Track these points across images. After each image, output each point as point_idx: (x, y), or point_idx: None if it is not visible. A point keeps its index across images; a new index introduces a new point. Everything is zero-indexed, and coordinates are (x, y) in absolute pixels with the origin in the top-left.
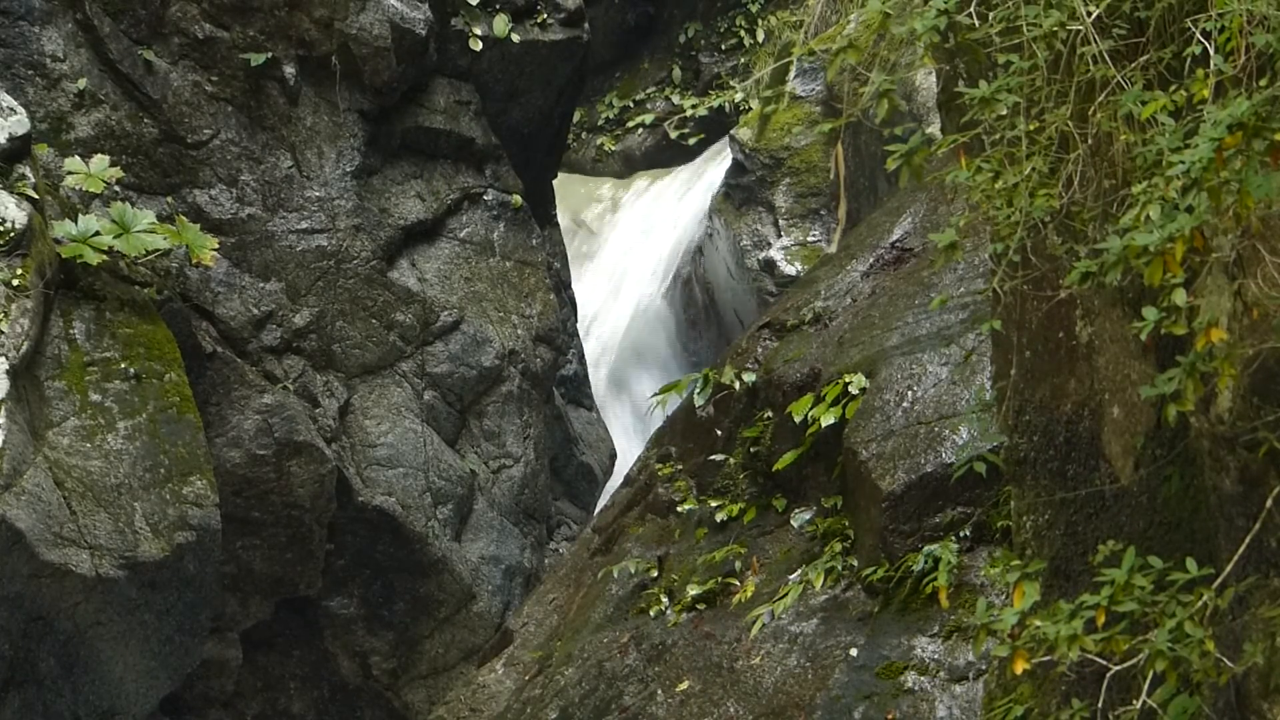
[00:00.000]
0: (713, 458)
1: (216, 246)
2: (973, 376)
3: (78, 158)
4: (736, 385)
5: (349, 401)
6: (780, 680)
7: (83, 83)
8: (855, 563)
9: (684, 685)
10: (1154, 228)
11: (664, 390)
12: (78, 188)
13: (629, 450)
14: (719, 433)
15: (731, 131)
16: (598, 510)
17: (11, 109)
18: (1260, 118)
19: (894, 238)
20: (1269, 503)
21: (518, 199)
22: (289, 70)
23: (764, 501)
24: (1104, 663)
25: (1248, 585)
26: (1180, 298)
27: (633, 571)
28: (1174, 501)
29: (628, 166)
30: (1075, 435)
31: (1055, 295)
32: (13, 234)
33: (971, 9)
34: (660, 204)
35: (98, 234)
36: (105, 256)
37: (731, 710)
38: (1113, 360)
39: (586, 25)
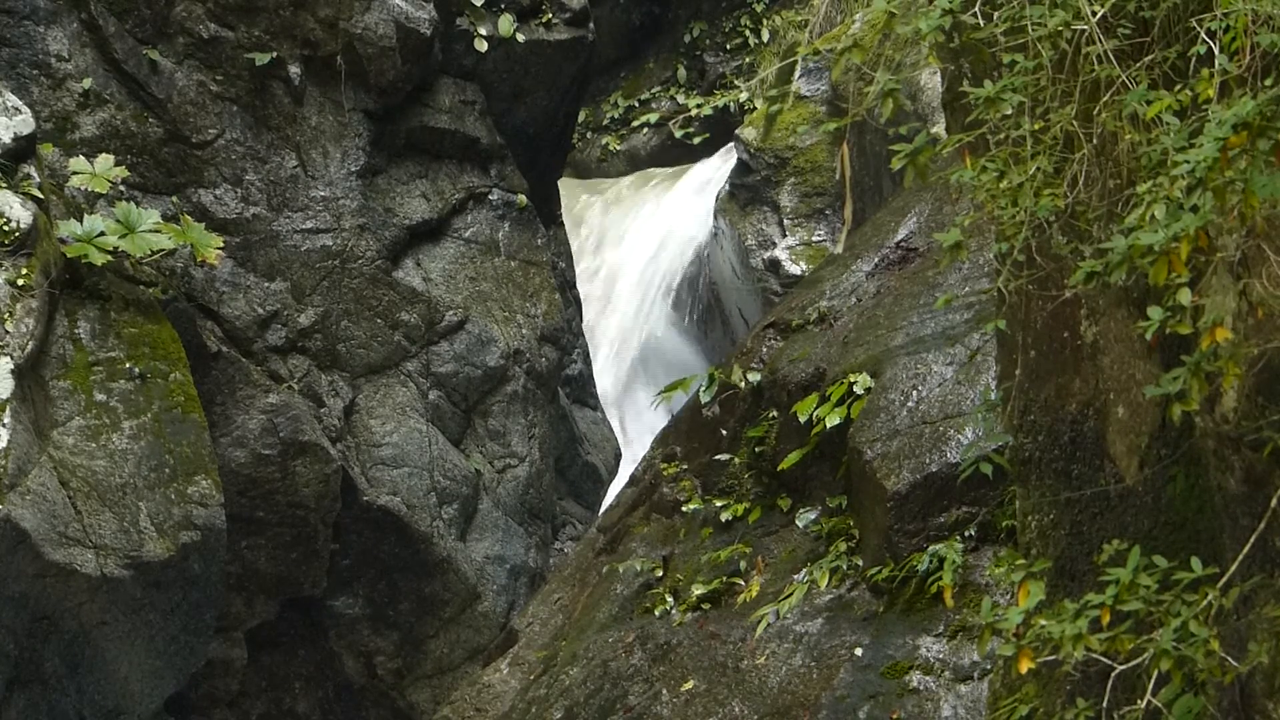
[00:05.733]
0: (718, 457)
1: (221, 246)
2: (978, 376)
3: (83, 157)
4: (741, 385)
5: (354, 401)
6: (785, 680)
7: (88, 82)
8: (860, 562)
9: (689, 685)
10: (1159, 227)
11: (668, 389)
12: (83, 187)
13: (634, 450)
14: (724, 432)
15: (736, 131)
16: (603, 510)
17: (16, 108)
18: (1265, 117)
19: (899, 237)
20: (1274, 502)
21: (523, 199)
22: (294, 70)
23: (769, 501)
24: (1109, 662)
25: (1253, 585)
26: (1185, 297)
27: (638, 571)
28: (1179, 501)
29: (632, 166)
30: (1080, 435)
31: (1060, 295)
32: (18, 233)
33: (976, 8)
34: (665, 204)
35: (103, 234)
36: (110, 256)
37: (736, 710)
38: (1118, 360)
39: (591, 25)
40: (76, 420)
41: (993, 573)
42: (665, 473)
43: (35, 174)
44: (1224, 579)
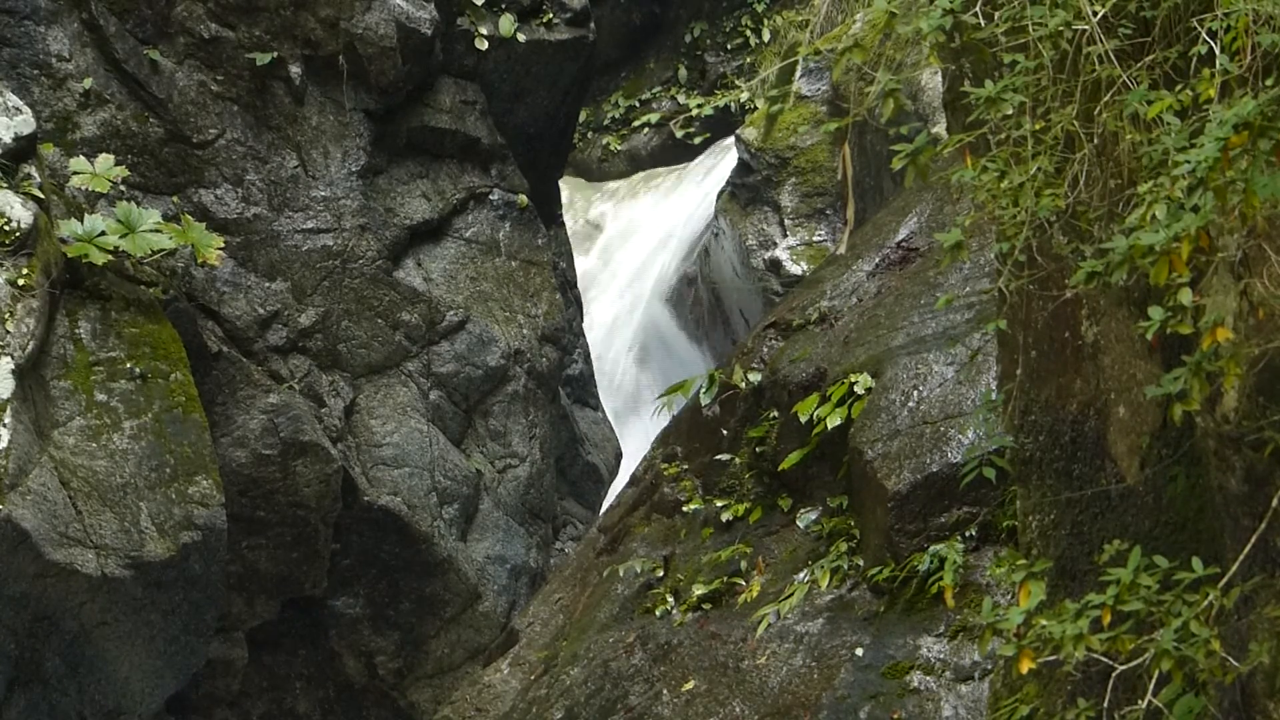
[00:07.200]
0: (718, 457)
1: (222, 246)
2: (978, 376)
3: (83, 157)
4: (742, 385)
5: (355, 401)
6: (786, 680)
7: (88, 82)
8: (861, 562)
9: (689, 685)
10: (1160, 227)
11: (670, 391)
12: (83, 187)
13: (635, 450)
14: (725, 432)
15: (737, 131)
16: (603, 510)
17: (17, 108)
18: (1266, 117)
19: (900, 237)
20: (1275, 502)
21: (523, 199)
22: (295, 70)
23: (770, 501)
24: (1109, 662)
25: (1253, 585)
26: (1186, 297)
27: (638, 571)
28: (1180, 501)
29: (633, 166)
30: (1081, 435)
31: (1061, 295)
32: (18, 233)
33: (977, 8)
34: (665, 203)
35: (103, 233)
36: (111, 256)
37: (737, 710)
38: (1118, 360)
39: (592, 25)
40: (77, 420)
41: (994, 573)
42: (666, 473)
43: (36, 174)
44: (1225, 579)
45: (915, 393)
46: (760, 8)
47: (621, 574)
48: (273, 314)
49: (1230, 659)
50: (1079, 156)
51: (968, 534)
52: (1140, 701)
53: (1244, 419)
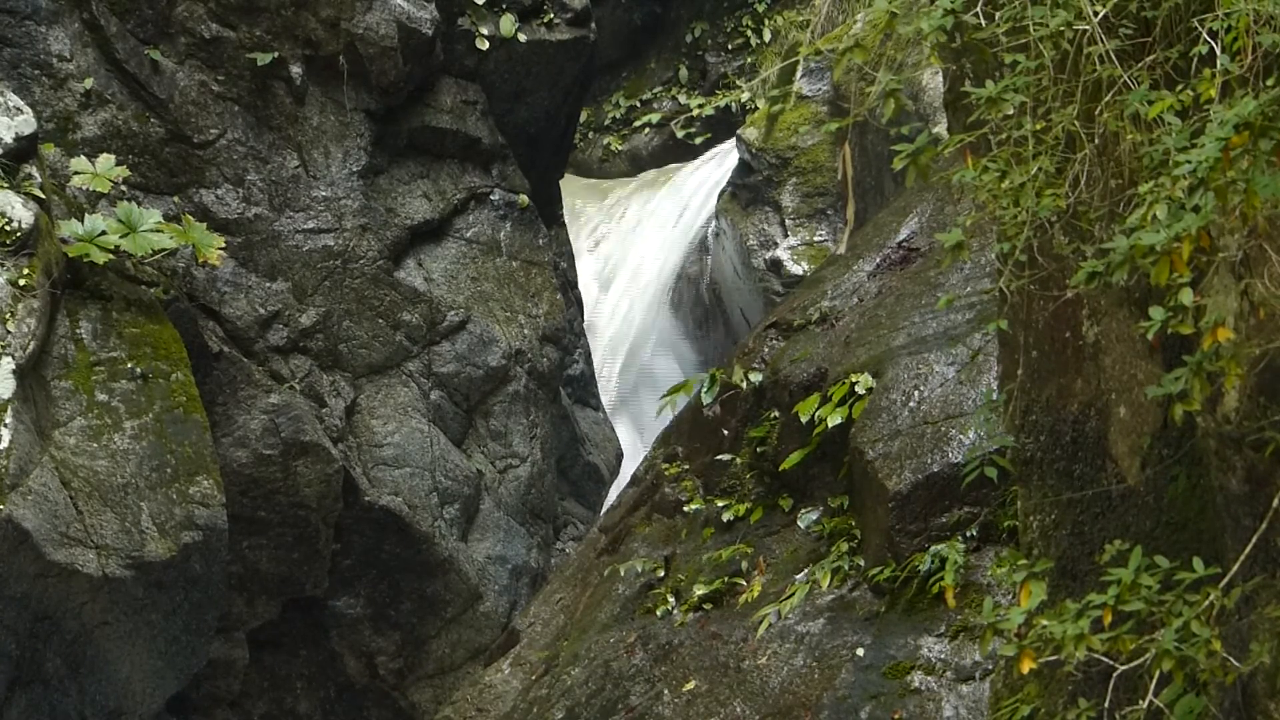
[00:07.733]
0: (719, 457)
1: (223, 246)
2: (979, 376)
3: (84, 157)
4: (743, 385)
5: (355, 401)
6: (787, 680)
7: (89, 82)
8: (862, 562)
9: (690, 685)
10: (1160, 227)
11: (672, 391)
12: (84, 187)
13: (636, 450)
14: (726, 432)
15: (738, 131)
16: (604, 510)
17: (18, 108)
18: (1267, 117)
19: (900, 237)
20: (1275, 502)
21: (524, 199)
22: (295, 70)
23: (770, 501)
24: (1110, 662)
25: (1254, 585)
26: (1187, 297)
27: (639, 571)
28: (1180, 501)
29: (634, 166)
30: (1082, 435)
31: (1062, 295)
32: (19, 233)
33: (978, 8)
34: (666, 204)
35: (104, 233)
36: (112, 256)
37: (738, 710)
38: (1119, 360)
39: (593, 25)
40: (78, 420)
41: (994, 573)
42: (667, 473)
43: (37, 174)
44: (1226, 579)
45: (916, 393)
46: (761, 8)
47: (622, 574)
48: (273, 314)
49: (1231, 659)
50: (1080, 156)
51: (969, 534)
52: (1141, 702)
53: (1245, 419)
